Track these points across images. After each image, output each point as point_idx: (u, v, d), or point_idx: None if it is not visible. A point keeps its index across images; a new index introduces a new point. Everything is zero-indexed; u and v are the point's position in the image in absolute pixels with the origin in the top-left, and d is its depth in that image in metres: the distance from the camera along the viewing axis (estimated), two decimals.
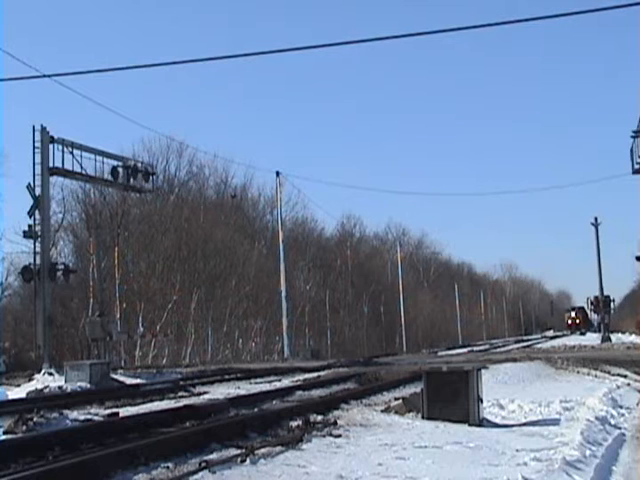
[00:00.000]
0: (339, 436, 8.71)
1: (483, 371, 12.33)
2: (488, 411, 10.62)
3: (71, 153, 24.10)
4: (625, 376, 16.92)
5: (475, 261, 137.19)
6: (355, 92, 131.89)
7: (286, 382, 18.08)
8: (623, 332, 61.42)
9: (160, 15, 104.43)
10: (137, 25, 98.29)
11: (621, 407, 11.48)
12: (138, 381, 20.13)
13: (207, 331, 42.54)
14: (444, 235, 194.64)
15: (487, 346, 49.13)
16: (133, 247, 42.01)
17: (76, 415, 11.14)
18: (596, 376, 17.64)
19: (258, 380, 19.14)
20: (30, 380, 20.36)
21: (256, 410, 11.50)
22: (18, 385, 19.57)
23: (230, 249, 46.30)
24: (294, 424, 9.53)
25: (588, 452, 7.31)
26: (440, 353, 38.23)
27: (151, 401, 13.89)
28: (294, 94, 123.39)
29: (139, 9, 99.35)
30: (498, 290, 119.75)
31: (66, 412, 11.18)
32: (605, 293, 52.47)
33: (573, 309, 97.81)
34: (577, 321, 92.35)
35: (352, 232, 69.32)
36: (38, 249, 23.28)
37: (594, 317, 75.83)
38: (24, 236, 24.28)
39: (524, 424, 9.86)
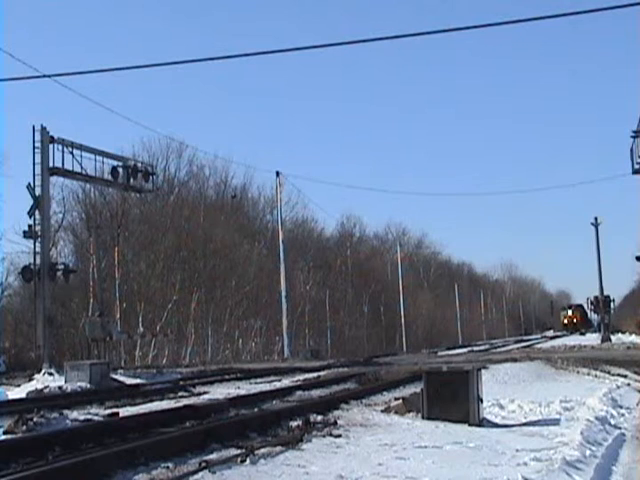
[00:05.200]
0: (339, 436, 8.71)
1: (483, 371, 12.34)
2: (488, 411, 10.61)
3: (71, 153, 24.12)
4: (625, 376, 16.91)
5: (475, 261, 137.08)
6: (355, 92, 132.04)
7: (286, 382, 18.07)
8: (623, 332, 61.36)
9: (160, 15, 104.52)
10: (137, 25, 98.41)
11: (621, 407, 11.48)
12: (138, 381, 20.14)
13: (207, 331, 42.55)
14: (444, 235, 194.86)
15: (487, 346, 49.09)
16: (133, 247, 42.01)
17: (76, 415, 11.14)
18: (596, 376, 17.64)
19: (258, 380, 19.13)
20: (30, 380, 20.36)
21: (256, 410, 11.49)
22: (18, 385, 19.57)
23: (230, 249, 46.30)
24: (294, 424, 9.52)
25: (588, 452, 7.31)
26: (440, 353, 38.20)
27: (151, 401, 13.88)
28: (294, 94, 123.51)
29: (139, 9, 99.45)
30: (498, 290, 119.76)
31: (66, 412, 11.18)
32: (605, 293, 52.36)
33: (570, 307, 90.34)
34: (574, 320, 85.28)
35: (352, 232, 69.33)
36: (38, 249, 23.28)
37: (594, 317, 74.13)
38: (24, 236, 24.29)
39: (524, 424, 9.85)
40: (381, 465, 6.94)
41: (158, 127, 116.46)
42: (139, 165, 27.99)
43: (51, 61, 77.86)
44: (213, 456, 7.37)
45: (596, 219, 48.73)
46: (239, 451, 7.54)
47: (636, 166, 25.57)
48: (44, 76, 17.56)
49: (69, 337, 35.46)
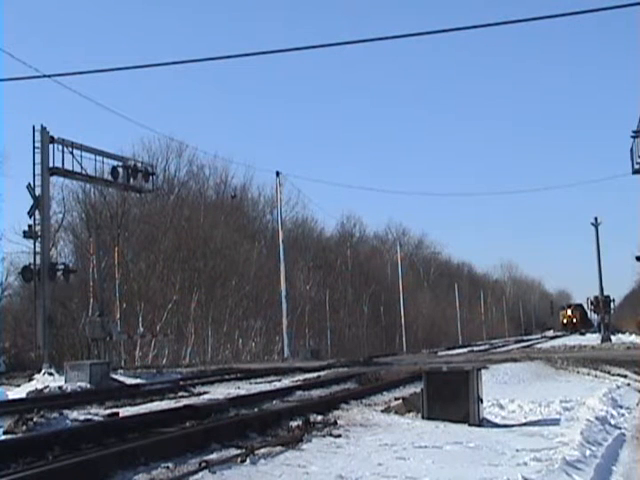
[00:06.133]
0: (339, 436, 8.71)
1: (483, 371, 12.34)
2: (488, 411, 10.61)
3: (71, 153, 24.12)
4: (625, 376, 16.90)
5: (475, 261, 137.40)
6: (355, 92, 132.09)
7: (286, 382, 18.07)
8: (623, 332, 61.38)
9: (160, 15, 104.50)
10: (137, 25, 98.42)
11: (621, 407, 11.47)
12: (138, 381, 20.13)
13: (207, 331, 42.56)
14: (444, 235, 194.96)
15: (487, 346, 49.08)
16: (133, 247, 42.03)
17: (76, 415, 11.14)
18: (596, 376, 17.63)
19: (258, 380, 19.12)
20: (30, 380, 20.35)
21: (256, 410, 11.49)
22: (18, 385, 19.57)
23: (230, 249, 46.31)
24: (294, 424, 9.52)
25: (588, 452, 7.30)
26: (440, 353, 38.20)
27: (151, 401, 13.87)
28: (294, 94, 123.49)
29: (139, 9, 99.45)
30: (498, 290, 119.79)
31: (66, 412, 11.17)
32: (605, 293, 52.32)
33: (569, 306, 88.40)
34: (574, 320, 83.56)
35: (352, 232, 69.42)
36: (38, 249, 23.27)
37: (594, 317, 73.65)
38: (24, 236, 24.28)
39: (524, 424, 9.84)
40: (381, 465, 6.93)
41: (158, 127, 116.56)
42: (139, 165, 27.99)
43: (51, 61, 77.91)
44: (213, 456, 7.36)
45: (596, 219, 48.72)
46: (239, 451, 7.54)
47: (636, 166, 25.57)
48: (44, 76, 17.55)
49: (69, 337, 35.45)
